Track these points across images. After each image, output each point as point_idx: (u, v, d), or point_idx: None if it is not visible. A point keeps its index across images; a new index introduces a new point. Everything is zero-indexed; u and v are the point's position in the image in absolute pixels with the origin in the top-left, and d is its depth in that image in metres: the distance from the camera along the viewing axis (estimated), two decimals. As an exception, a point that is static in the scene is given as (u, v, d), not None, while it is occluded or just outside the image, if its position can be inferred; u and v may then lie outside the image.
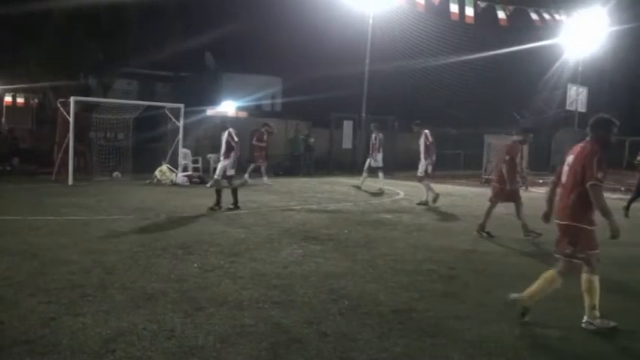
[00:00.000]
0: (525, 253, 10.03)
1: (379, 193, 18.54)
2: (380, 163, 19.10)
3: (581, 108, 35.06)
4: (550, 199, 6.46)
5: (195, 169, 21.90)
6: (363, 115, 28.03)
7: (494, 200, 11.64)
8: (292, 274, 7.74)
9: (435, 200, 15.74)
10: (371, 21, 27.60)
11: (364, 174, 19.51)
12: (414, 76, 33.71)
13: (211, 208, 13.22)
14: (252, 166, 20.43)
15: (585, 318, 6.01)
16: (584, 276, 6.00)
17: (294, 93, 32.45)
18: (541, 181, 25.04)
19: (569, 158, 6.08)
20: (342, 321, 5.94)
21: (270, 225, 11.64)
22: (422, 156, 15.80)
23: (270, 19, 33.70)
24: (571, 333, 5.89)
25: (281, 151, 27.09)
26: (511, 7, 28.73)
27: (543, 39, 31.56)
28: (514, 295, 6.21)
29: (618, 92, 36.82)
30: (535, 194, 20.93)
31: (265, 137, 20.54)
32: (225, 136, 13.35)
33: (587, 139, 6.04)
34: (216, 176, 13.64)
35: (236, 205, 13.51)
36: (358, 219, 13.01)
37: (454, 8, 27.33)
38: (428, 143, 15.66)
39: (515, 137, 11.51)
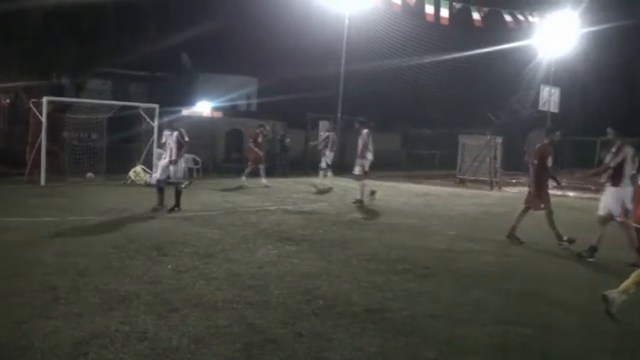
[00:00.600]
0: (500, 253, 10.10)
1: (321, 188, 18.63)
2: (324, 163, 19.24)
3: (554, 108, 35.50)
4: None
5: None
6: (339, 115, 28.08)
7: (547, 206, 10.86)
8: (267, 274, 7.74)
9: (371, 195, 16.53)
10: (347, 21, 27.66)
11: (327, 174, 19.60)
12: (389, 77, 33.86)
13: (171, 209, 12.99)
14: (261, 168, 20.29)
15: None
16: None
17: (270, 93, 32.43)
18: (514, 181, 25.34)
19: None
20: (316, 321, 5.95)
21: (245, 225, 11.62)
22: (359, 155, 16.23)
23: (247, 20, 33.61)
24: (544, 332, 5.97)
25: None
26: (486, 9, 28.99)
27: (517, 40, 31.89)
28: (610, 294, 6.17)
29: (590, 93, 37.33)
30: (508, 194, 21.19)
31: (260, 139, 20.51)
32: (174, 137, 13.09)
33: None
34: (173, 180, 13.25)
35: (160, 205, 13.08)
36: (333, 219, 13.03)
37: (429, 9, 27.52)
38: (363, 144, 16.02)
39: (545, 140, 11.16)
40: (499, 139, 23.34)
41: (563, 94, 35.92)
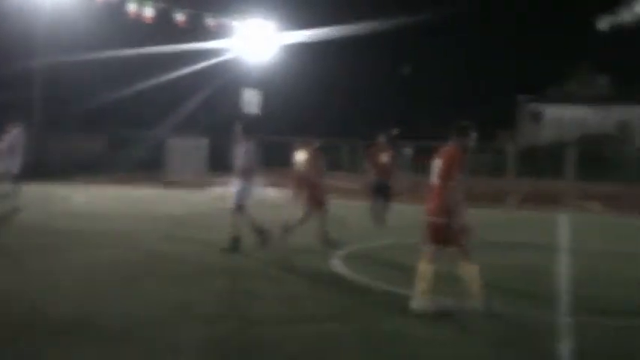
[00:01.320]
0: (204, 252, 10.19)
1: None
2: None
3: (256, 110, 37.45)
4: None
5: None
6: (35, 117, 26.21)
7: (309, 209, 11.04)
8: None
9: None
10: (44, 16, 25.98)
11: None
12: (93, 74, 32.69)
13: None
14: None
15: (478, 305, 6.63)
16: (464, 266, 6.68)
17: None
18: (219, 180, 26.09)
19: (437, 162, 6.76)
20: (10, 342, 5.54)
21: None
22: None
23: None
24: (248, 324, 6.21)
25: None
26: (189, 11, 29.38)
27: (221, 43, 32.85)
28: (413, 305, 6.67)
29: (289, 96, 40.07)
30: (213, 194, 21.80)
31: None
32: None
33: (450, 143, 6.78)
34: None
35: None
36: (27, 227, 12.08)
37: (132, 7, 27.09)
38: (10, 144, 14.21)
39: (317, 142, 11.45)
40: (204, 141, 23.88)
41: (265, 96, 38.03)
